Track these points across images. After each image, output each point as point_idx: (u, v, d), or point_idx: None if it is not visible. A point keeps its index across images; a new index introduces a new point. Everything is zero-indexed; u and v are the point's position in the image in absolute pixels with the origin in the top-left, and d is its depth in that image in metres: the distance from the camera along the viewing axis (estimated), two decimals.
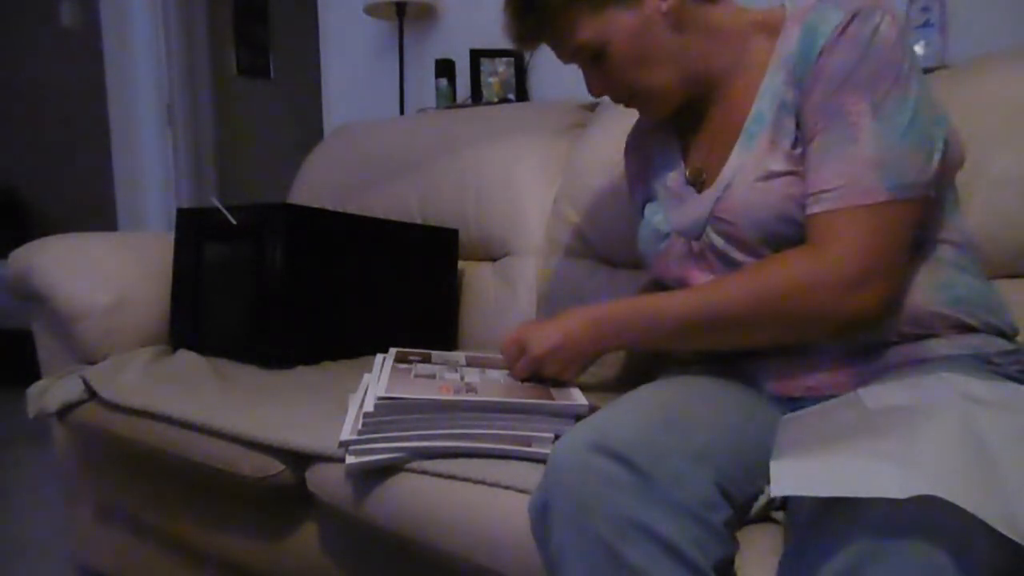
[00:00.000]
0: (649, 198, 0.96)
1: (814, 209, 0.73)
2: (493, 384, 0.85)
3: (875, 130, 0.71)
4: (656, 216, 0.92)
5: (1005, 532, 0.46)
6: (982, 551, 0.48)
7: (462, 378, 0.87)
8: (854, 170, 0.71)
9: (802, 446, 0.59)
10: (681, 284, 0.88)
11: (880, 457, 0.52)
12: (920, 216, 0.73)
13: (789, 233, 0.76)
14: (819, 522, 0.54)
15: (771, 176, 0.77)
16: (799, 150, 0.77)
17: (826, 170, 0.72)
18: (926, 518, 0.49)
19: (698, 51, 0.84)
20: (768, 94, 0.80)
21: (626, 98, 0.89)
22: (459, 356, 1.00)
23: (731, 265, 0.82)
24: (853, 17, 0.72)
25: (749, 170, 0.79)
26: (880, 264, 0.70)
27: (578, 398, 0.81)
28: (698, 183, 0.88)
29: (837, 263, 0.71)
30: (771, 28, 0.82)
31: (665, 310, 0.79)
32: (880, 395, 0.65)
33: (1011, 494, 0.49)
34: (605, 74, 0.86)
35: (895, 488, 0.48)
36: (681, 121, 0.93)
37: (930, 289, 0.75)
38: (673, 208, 0.90)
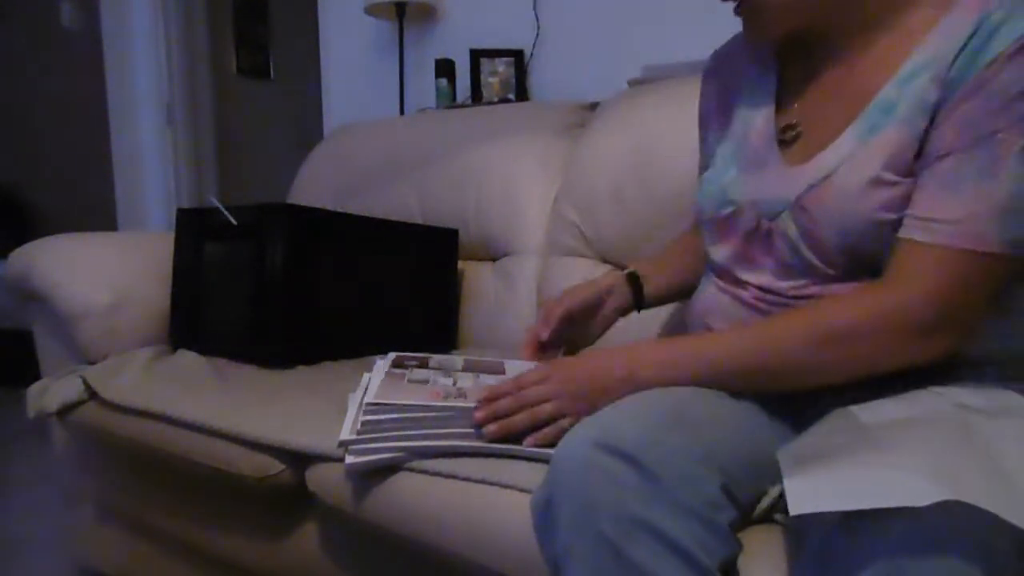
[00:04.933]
0: (722, 138, 0.84)
1: (915, 235, 0.65)
2: (485, 389, 0.85)
3: (1018, 173, 0.62)
4: (728, 174, 0.80)
5: None
6: (1006, 555, 0.48)
7: (454, 383, 0.87)
8: (979, 209, 0.62)
9: (809, 462, 0.57)
10: (738, 262, 0.80)
11: (896, 467, 0.51)
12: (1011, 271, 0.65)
13: (871, 250, 0.69)
14: (837, 539, 0.53)
15: (880, 184, 0.67)
16: (920, 162, 0.67)
17: (951, 198, 0.63)
18: (948, 527, 0.48)
19: None
20: (910, 84, 0.68)
21: None
22: (457, 361, 0.99)
23: (798, 258, 0.74)
24: None
25: (859, 167, 0.69)
26: (957, 314, 0.64)
27: None
28: (788, 139, 0.76)
29: (911, 306, 0.64)
30: (942, 1, 0.69)
31: (717, 355, 0.71)
32: (875, 410, 0.64)
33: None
34: None
35: (917, 496, 0.47)
36: (789, 57, 0.80)
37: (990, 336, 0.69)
38: (751, 172, 0.78)
